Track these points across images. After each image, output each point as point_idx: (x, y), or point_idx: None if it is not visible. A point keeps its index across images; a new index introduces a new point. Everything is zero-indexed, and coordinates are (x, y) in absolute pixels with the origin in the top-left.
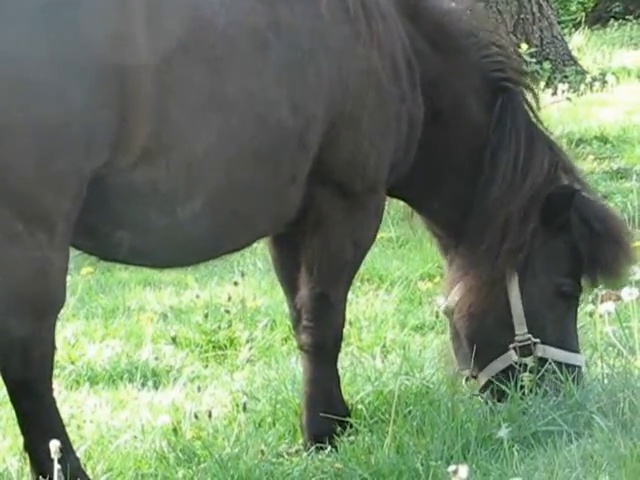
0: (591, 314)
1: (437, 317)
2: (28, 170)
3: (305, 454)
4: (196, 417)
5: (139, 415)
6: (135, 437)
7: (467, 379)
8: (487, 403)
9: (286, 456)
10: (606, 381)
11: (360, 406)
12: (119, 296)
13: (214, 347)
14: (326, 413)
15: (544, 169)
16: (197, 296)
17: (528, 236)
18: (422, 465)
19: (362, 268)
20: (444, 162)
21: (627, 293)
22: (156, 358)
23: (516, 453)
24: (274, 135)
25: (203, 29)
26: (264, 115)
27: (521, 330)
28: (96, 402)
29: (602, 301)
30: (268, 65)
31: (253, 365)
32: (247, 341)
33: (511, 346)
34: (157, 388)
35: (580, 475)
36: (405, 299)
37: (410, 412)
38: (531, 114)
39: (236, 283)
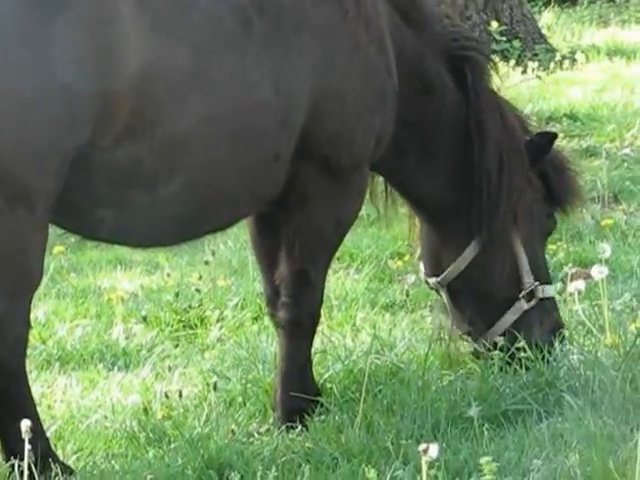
0: (561, 292)
1: (407, 296)
2: (11, 147)
3: (276, 433)
4: (166, 397)
5: (109, 395)
6: (105, 417)
7: (472, 339)
8: (457, 381)
9: (257, 435)
10: (576, 360)
11: (330, 385)
12: (90, 276)
13: (185, 326)
14: (299, 391)
15: (519, 124)
16: (168, 275)
17: (526, 191)
18: (392, 444)
19: None
20: (428, 134)
21: (597, 271)
22: (127, 337)
23: (486, 432)
24: (257, 115)
25: (187, 8)
26: (247, 95)
27: (529, 278)
28: (66, 382)
29: (572, 279)
30: (251, 44)
31: (224, 344)
32: (218, 320)
33: (521, 295)
34: (127, 368)
35: (550, 453)
36: (375, 278)
37: (380, 391)
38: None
39: (207, 262)
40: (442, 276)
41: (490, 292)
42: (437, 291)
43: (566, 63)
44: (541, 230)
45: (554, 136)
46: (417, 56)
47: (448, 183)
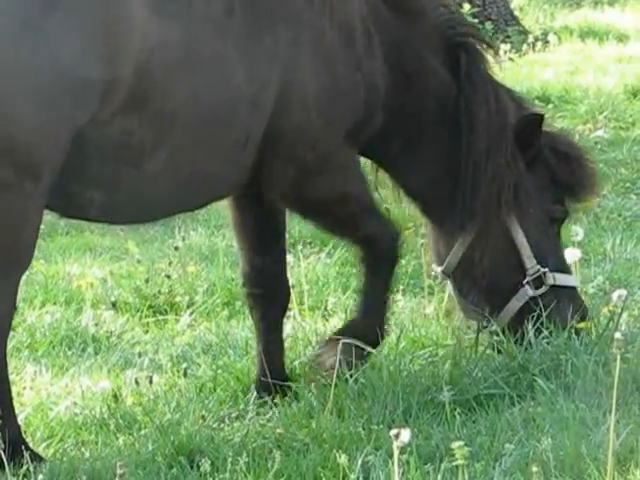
0: None
1: None
2: (28, 117)
3: (246, 420)
4: (137, 383)
5: (79, 381)
6: (75, 404)
7: (480, 330)
8: (429, 366)
9: (227, 421)
10: (548, 343)
11: (301, 370)
12: (59, 262)
13: (155, 312)
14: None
15: (512, 112)
16: (138, 261)
17: (519, 177)
18: (364, 429)
19: (304, 231)
20: (418, 122)
21: (570, 254)
22: (96, 324)
23: (458, 417)
24: (231, 97)
25: None
26: (225, 78)
27: (531, 263)
28: (36, 369)
29: None
30: (232, 30)
31: (194, 330)
32: (188, 306)
33: (525, 281)
34: (97, 354)
35: (522, 438)
36: (347, 262)
37: (351, 376)
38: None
39: (177, 248)
40: (445, 265)
41: (492, 278)
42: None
43: (538, 45)
44: (548, 216)
45: (536, 117)
46: (404, 45)
47: (440, 170)
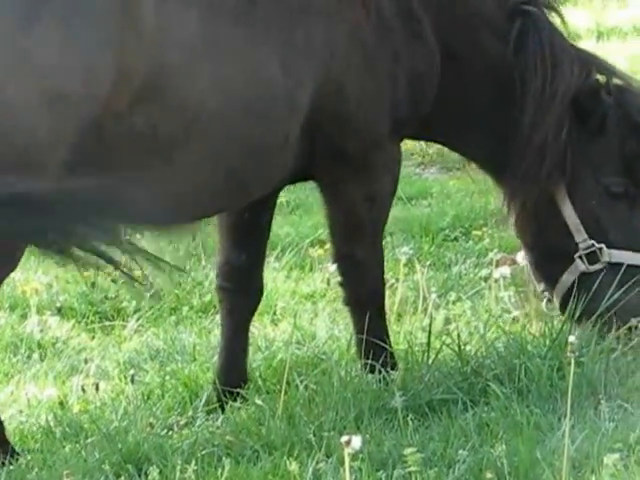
0: (486, 279)
1: (329, 285)
2: (27, 115)
3: (195, 427)
4: (83, 390)
5: (24, 389)
6: (20, 411)
7: (549, 300)
8: (380, 372)
9: (175, 429)
10: (502, 347)
11: (251, 376)
12: None
13: (101, 318)
14: (378, 360)
15: (573, 80)
16: None
17: (567, 146)
18: (314, 436)
19: None
20: (474, 98)
21: (522, 257)
22: (41, 330)
23: (411, 422)
24: (265, 92)
25: None
26: (255, 70)
27: (580, 237)
28: None
29: (497, 265)
30: (256, 20)
31: (141, 336)
32: (135, 311)
33: (576, 255)
34: (43, 361)
35: (476, 444)
36: (296, 266)
37: (302, 382)
38: (555, 32)
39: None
40: (514, 232)
41: (544, 248)
42: None
43: None
44: (606, 190)
45: (593, 86)
46: (455, 23)
47: (500, 141)
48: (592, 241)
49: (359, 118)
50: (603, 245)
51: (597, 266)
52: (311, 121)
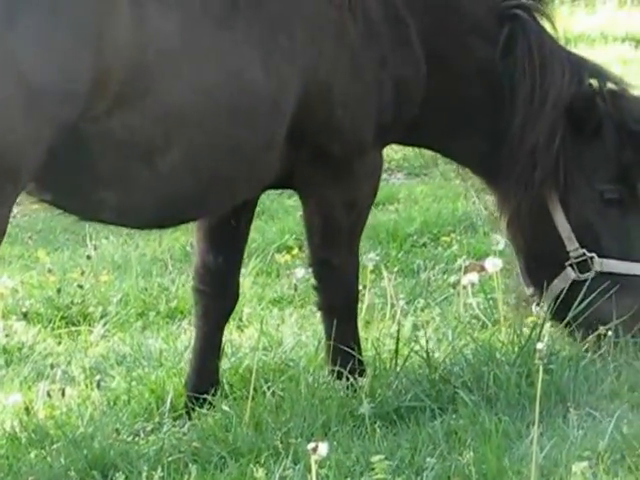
0: (454, 285)
1: (296, 290)
2: (8, 120)
3: (161, 433)
4: (49, 396)
5: None
6: None
7: (537, 305)
8: (348, 378)
9: (142, 435)
10: (470, 355)
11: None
12: None
13: (67, 323)
14: (346, 368)
15: (565, 84)
16: (49, 270)
17: (560, 153)
18: (282, 443)
19: None
20: (464, 102)
21: (491, 264)
22: (7, 335)
23: (378, 430)
24: (249, 95)
25: None
26: (237, 73)
27: (572, 246)
28: None
29: (465, 272)
30: (239, 23)
31: (107, 341)
32: (101, 317)
33: (567, 263)
34: (8, 366)
35: (444, 451)
36: (262, 272)
37: (269, 388)
38: (544, 35)
39: (89, 257)
40: (505, 236)
41: (535, 254)
42: None
43: None
44: (600, 197)
45: (589, 94)
46: (442, 29)
47: (490, 146)
48: (583, 250)
49: (345, 123)
50: (594, 254)
51: (588, 275)
52: (296, 125)
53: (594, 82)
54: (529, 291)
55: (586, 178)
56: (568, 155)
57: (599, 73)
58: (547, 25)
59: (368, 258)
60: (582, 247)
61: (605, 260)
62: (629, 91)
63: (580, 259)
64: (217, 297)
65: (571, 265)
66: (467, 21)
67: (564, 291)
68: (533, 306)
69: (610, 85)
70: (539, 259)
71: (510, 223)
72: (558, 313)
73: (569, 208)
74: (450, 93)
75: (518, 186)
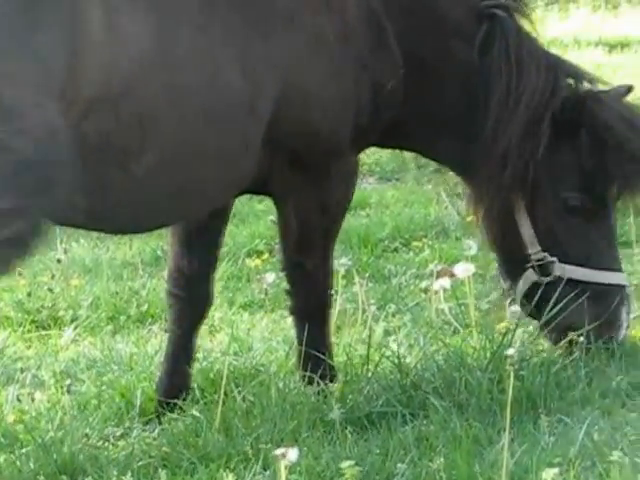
0: (426, 291)
1: (266, 295)
2: None
3: (131, 438)
4: (18, 400)
5: None
6: None
7: (513, 300)
8: (319, 384)
9: (112, 439)
10: (442, 360)
11: None
12: None
13: (37, 327)
14: (316, 372)
15: (540, 86)
16: (19, 274)
17: (531, 157)
18: (252, 448)
19: None
20: (442, 102)
21: (461, 269)
22: None
23: (349, 435)
24: (224, 98)
25: None
26: (212, 76)
27: (534, 249)
28: None
29: (437, 277)
30: (214, 26)
31: (78, 345)
32: (72, 321)
33: (528, 265)
34: None
35: (415, 457)
36: (233, 276)
37: (239, 393)
38: (523, 35)
39: (59, 260)
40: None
41: (504, 252)
42: None
43: None
44: (563, 204)
45: (584, 98)
46: (420, 32)
47: (468, 149)
48: (544, 254)
49: (322, 125)
50: (555, 259)
51: (549, 279)
52: (273, 128)
53: (572, 83)
54: (505, 285)
55: (553, 183)
56: (538, 158)
57: (576, 73)
58: (526, 25)
59: (340, 263)
60: (544, 251)
61: (567, 266)
62: (608, 94)
63: (541, 262)
64: (191, 301)
65: (533, 267)
66: (446, 22)
67: (523, 292)
68: (506, 310)
69: (586, 85)
70: (508, 257)
71: (484, 219)
72: (531, 315)
73: (535, 212)
74: (430, 94)
75: (490, 186)
